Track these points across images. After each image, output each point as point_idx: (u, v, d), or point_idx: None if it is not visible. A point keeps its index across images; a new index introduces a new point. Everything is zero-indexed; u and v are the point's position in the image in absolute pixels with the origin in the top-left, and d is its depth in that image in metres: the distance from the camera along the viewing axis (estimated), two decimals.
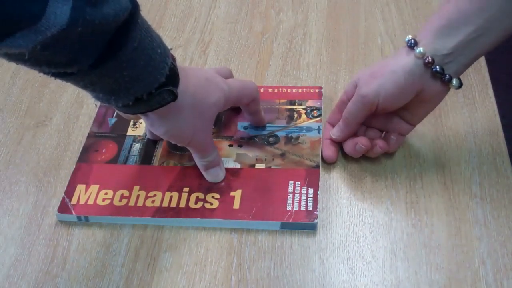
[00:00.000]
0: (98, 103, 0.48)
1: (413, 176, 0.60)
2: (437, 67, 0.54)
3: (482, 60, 0.72)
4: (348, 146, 0.61)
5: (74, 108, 0.70)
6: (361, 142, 0.59)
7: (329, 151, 0.61)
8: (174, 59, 0.50)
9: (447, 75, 0.54)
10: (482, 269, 0.53)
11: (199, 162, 0.60)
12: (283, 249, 0.55)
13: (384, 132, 0.62)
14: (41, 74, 0.43)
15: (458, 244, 0.55)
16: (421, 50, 0.53)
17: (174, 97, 0.50)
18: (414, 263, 0.54)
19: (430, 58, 0.53)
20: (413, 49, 0.54)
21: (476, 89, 0.69)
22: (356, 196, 0.59)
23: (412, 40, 0.54)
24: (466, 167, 0.61)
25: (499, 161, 0.61)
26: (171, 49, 0.50)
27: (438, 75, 0.54)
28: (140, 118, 0.60)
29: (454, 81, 0.55)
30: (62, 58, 0.40)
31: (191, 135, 0.56)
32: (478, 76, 0.70)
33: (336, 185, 0.60)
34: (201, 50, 0.77)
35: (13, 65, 0.76)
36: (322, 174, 0.61)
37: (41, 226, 0.58)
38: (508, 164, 0.61)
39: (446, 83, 0.55)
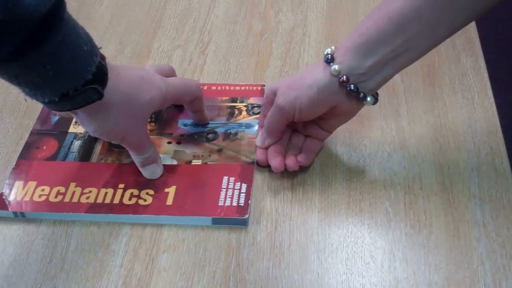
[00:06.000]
0: (28, 98, 0.49)
1: (412, 176, 0.60)
2: (352, 86, 0.54)
3: (481, 61, 0.72)
4: (268, 161, 0.61)
5: None
6: (274, 166, 0.60)
7: (262, 155, 0.62)
8: (103, 58, 0.51)
9: (361, 93, 0.55)
10: (480, 270, 0.53)
11: (135, 159, 0.60)
12: (281, 250, 0.55)
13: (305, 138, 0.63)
14: None
15: (456, 245, 0.55)
16: (336, 68, 0.54)
17: (100, 95, 0.50)
18: (412, 264, 0.53)
19: (345, 77, 0.54)
20: (330, 65, 0.54)
21: (475, 89, 0.69)
22: (355, 196, 0.59)
23: (329, 56, 0.55)
24: (465, 167, 0.61)
25: (498, 162, 0.61)
26: (100, 48, 0.50)
27: (353, 94, 0.55)
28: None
29: (369, 99, 0.56)
30: None
31: (123, 133, 0.56)
32: (477, 77, 0.70)
33: (335, 185, 0.60)
34: (200, 51, 0.77)
35: None
36: (322, 173, 0.61)
37: (39, 226, 0.58)
38: (507, 165, 0.61)
39: (360, 100, 0.56)
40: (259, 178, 0.61)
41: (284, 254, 0.55)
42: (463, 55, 0.73)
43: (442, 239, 0.55)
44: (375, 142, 0.64)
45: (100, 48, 0.50)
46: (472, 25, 0.76)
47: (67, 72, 0.47)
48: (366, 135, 0.65)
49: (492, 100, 0.67)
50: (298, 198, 0.59)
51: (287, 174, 0.61)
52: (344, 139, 0.64)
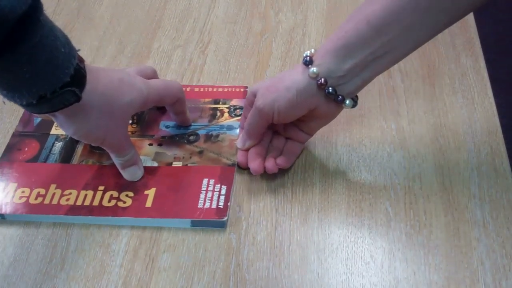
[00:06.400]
0: (6, 101, 0.49)
1: (412, 176, 0.60)
2: (330, 88, 0.54)
3: (481, 60, 0.72)
4: (248, 164, 0.61)
5: None
6: (253, 168, 0.60)
7: (242, 157, 0.62)
8: (81, 60, 0.51)
9: (339, 96, 0.55)
10: (480, 270, 0.53)
11: (116, 160, 0.60)
12: (281, 250, 0.55)
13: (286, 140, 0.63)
14: None
15: (456, 245, 0.55)
16: (315, 71, 0.54)
17: (78, 98, 0.50)
18: (412, 264, 0.53)
19: (323, 79, 0.54)
20: (308, 67, 0.54)
21: (475, 89, 0.69)
22: (355, 196, 0.59)
23: (308, 58, 0.55)
24: (465, 167, 0.61)
25: (498, 162, 0.61)
26: (78, 50, 0.50)
27: (331, 96, 0.55)
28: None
29: (347, 102, 0.56)
30: None
31: (103, 135, 0.56)
32: (477, 76, 0.70)
33: (335, 185, 0.60)
34: (200, 51, 0.77)
35: None
36: (322, 173, 0.61)
37: (39, 226, 0.58)
38: (507, 165, 0.61)
39: (339, 103, 0.56)
40: (258, 177, 0.61)
41: (284, 254, 0.55)
42: (463, 55, 0.73)
43: (442, 239, 0.55)
44: (375, 142, 0.64)
45: (79, 50, 0.50)
46: (472, 25, 0.76)
47: (44, 74, 0.47)
48: (366, 135, 0.65)
49: (492, 100, 0.67)
50: (298, 198, 0.59)
51: (288, 174, 0.61)
52: (344, 139, 0.64)
